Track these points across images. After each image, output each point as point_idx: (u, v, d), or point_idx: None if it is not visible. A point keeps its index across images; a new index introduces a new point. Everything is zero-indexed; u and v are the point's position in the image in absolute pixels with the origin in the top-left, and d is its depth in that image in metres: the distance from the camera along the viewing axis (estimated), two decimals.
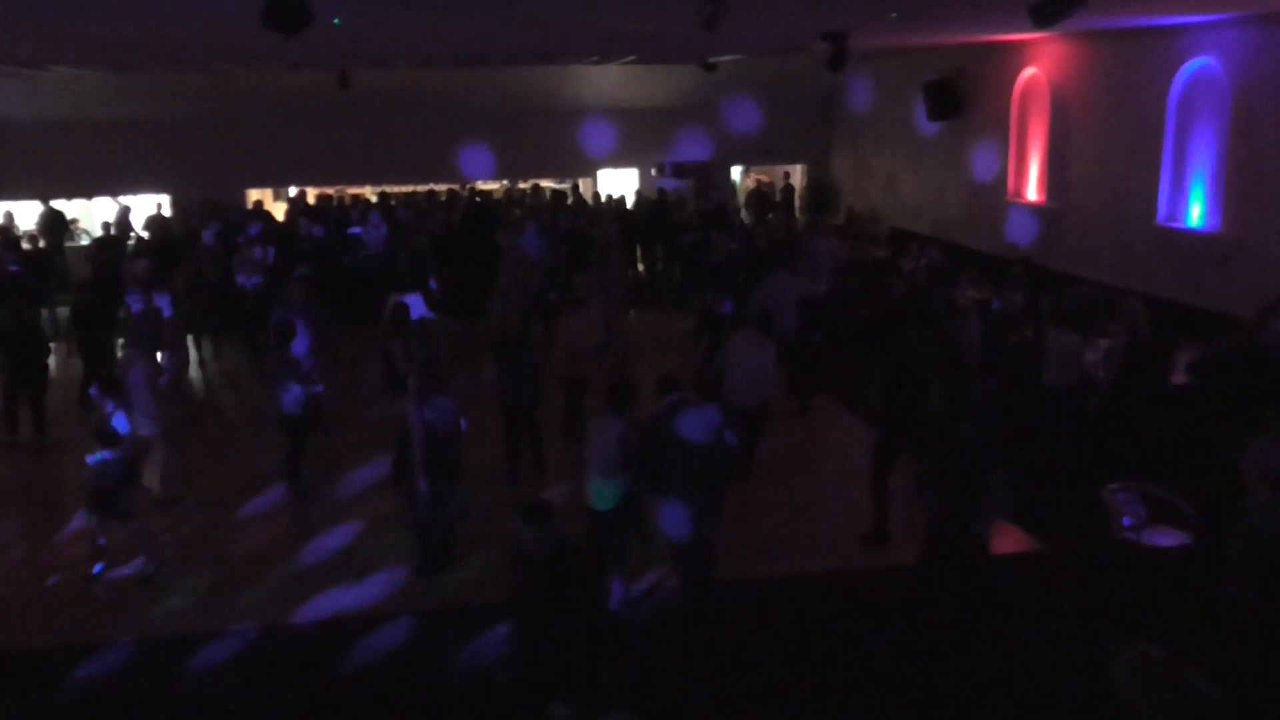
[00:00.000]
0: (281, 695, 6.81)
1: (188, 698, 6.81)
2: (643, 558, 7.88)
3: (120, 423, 8.35)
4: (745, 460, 10.08)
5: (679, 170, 22.28)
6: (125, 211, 20.11)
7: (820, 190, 22.93)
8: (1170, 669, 4.42)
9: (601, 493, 7.35)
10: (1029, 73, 15.72)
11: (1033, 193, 15.92)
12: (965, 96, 17.34)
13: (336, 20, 9.57)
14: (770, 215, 20.45)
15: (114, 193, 20.74)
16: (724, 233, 15.72)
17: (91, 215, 21.00)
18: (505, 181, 22.99)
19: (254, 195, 21.02)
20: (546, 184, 22.36)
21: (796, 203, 22.86)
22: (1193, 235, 12.52)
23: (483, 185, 22.68)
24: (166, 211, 20.18)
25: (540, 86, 21.09)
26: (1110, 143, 13.99)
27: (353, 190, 21.72)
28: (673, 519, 7.19)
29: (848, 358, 13.53)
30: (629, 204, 20.96)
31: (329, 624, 7.68)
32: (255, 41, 10.27)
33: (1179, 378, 10.04)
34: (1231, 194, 11.94)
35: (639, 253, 19.86)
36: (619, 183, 23.07)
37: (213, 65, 16.46)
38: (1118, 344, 9.88)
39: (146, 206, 20.18)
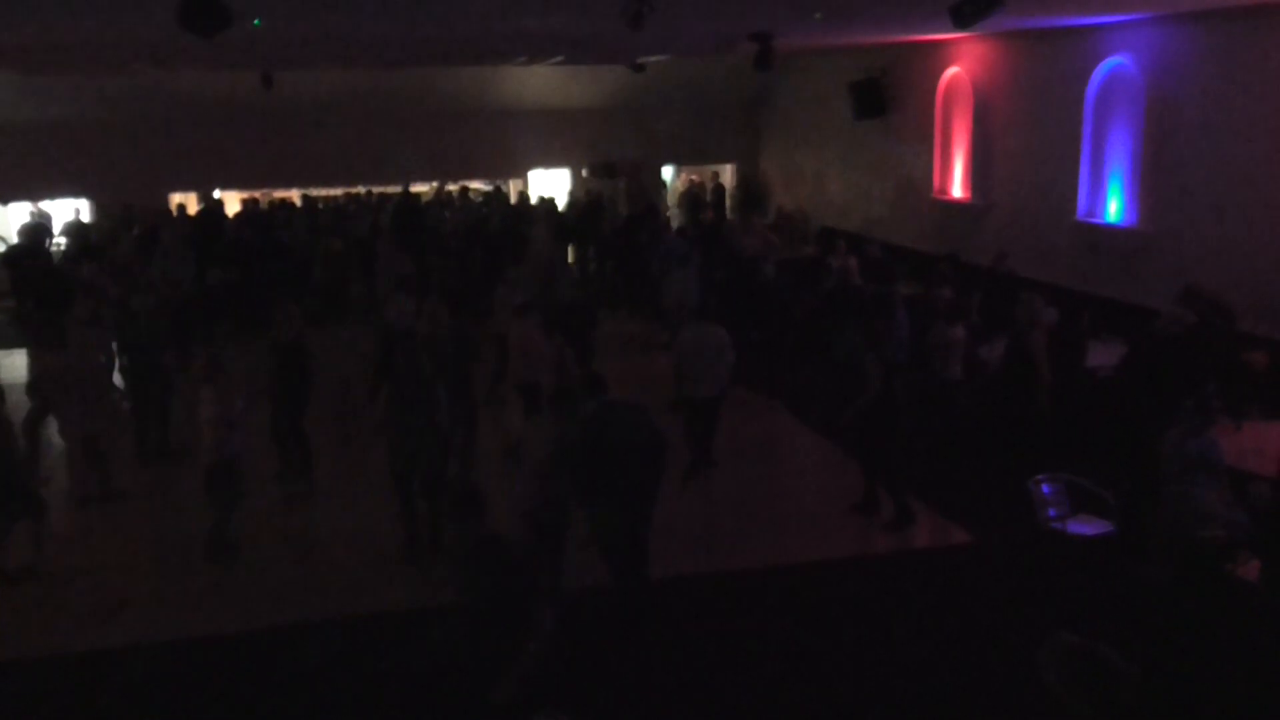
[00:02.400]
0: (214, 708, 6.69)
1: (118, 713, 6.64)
2: (581, 561, 7.85)
3: None
4: (706, 452, 10.30)
5: (610, 170, 22.28)
6: (42, 218, 19.60)
7: (750, 189, 23.10)
8: (1087, 652, 4.55)
9: (534, 496, 7.30)
10: (952, 72, 15.98)
11: (958, 190, 16.19)
12: (890, 96, 17.58)
13: (257, 21, 9.42)
14: (702, 215, 20.59)
15: (31, 198, 20.18)
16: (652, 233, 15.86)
17: (8, 222, 20.43)
18: (434, 183, 22.82)
19: (177, 199, 20.61)
20: (475, 186, 22.24)
21: (728, 202, 23.00)
22: (1111, 230, 12.83)
23: (414, 188, 22.48)
24: (85, 217, 19.71)
25: (469, 87, 20.94)
26: (1031, 140, 14.28)
27: (279, 194, 21.39)
28: (605, 521, 7.17)
29: (780, 353, 13.62)
30: (560, 205, 20.92)
31: (260, 634, 7.55)
32: (172, 42, 10.06)
33: (1101, 369, 10.30)
34: (1146, 189, 12.25)
35: (570, 253, 19.81)
36: (550, 183, 23.00)
37: (130, 66, 16.07)
38: (1030, 339, 10.08)
39: (65, 212, 19.69)
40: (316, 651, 7.23)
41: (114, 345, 11.01)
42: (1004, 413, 10.35)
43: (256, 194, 21.04)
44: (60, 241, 18.42)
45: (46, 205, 20.28)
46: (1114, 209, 12.84)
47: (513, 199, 21.69)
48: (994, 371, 10.64)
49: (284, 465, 10.00)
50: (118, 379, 11.19)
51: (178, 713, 6.66)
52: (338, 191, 22.04)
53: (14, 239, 17.97)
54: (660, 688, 6.75)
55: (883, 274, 13.56)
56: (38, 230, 17.93)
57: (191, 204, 20.87)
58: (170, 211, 19.37)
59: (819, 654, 7.08)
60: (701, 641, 7.29)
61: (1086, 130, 13.08)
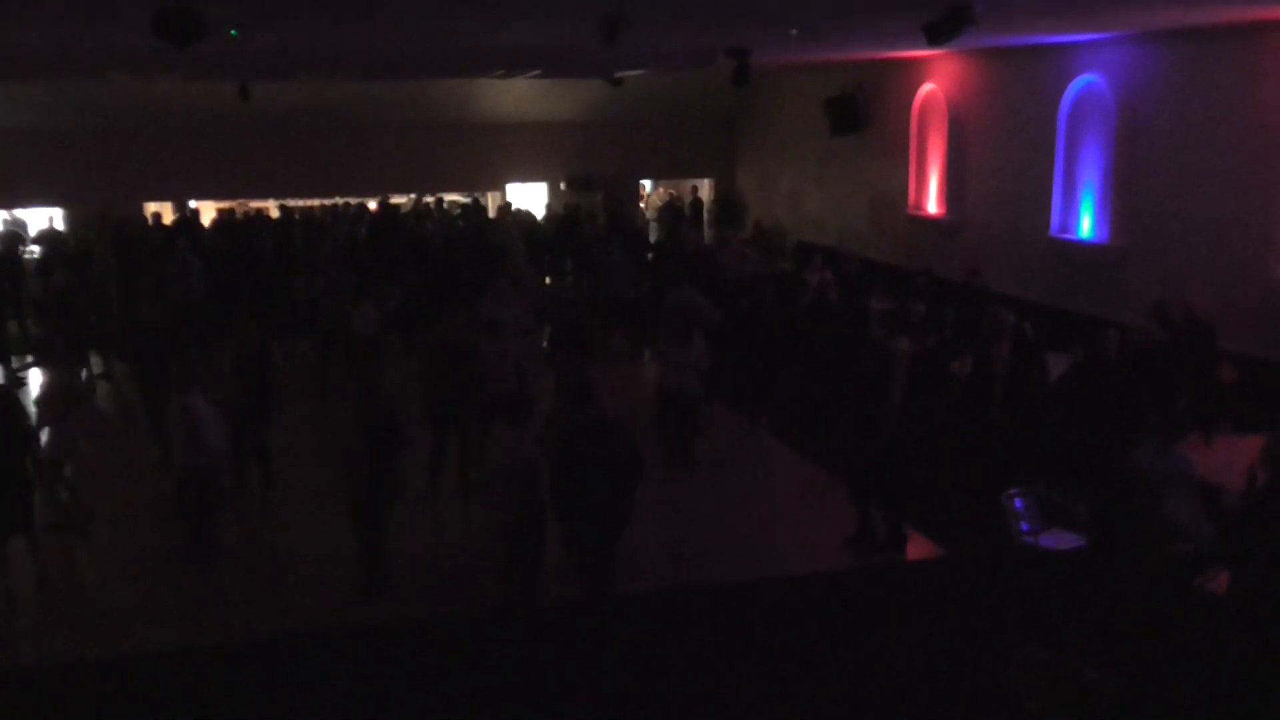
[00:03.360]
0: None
1: None
2: (551, 571, 7.83)
3: None
4: (687, 452, 10.69)
5: (587, 183, 22.31)
6: (16, 225, 19.43)
7: (728, 204, 23.18)
8: (1057, 665, 4.59)
9: (511, 507, 7.29)
10: (927, 89, 16.11)
11: (933, 206, 16.31)
12: (866, 112, 17.70)
13: (234, 31, 9.40)
14: (683, 234, 20.62)
15: (4, 206, 20.02)
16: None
17: None
18: (412, 195, 22.77)
19: (152, 208, 20.47)
20: (451, 198, 22.23)
21: (705, 216, 23.07)
22: (1083, 245, 12.95)
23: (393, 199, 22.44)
24: (60, 225, 19.55)
25: (447, 100, 20.93)
26: (1005, 157, 14.41)
27: (255, 204, 21.29)
28: (579, 534, 7.17)
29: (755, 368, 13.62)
30: (538, 218, 20.93)
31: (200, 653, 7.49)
32: (148, 51, 10.03)
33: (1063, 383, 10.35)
34: (1118, 206, 12.38)
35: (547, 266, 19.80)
36: (527, 196, 23.01)
37: (106, 74, 15.98)
38: (994, 352, 10.14)
39: (39, 220, 19.53)
40: (291, 667, 7.19)
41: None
42: (968, 426, 10.42)
43: (232, 204, 20.93)
44: (34, 249, 18.26)
45: (20, 213, 20.09)
46: (1086, 225, 12.96)
47: (491, 212, 21.70)
48: (961, 385, 10.71)
49: (241, 479, 10.00)
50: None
51: None
52: (314, 202, 21.96)
53: None
54: (633, 701, 6.73)
55: (858, 290, 13.62)
56: (11, 239, 17.79)
57: (167, 213, 20.74)
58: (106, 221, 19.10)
59: (791, 668, 7.08)
60: (673, 657, 7.28)
61: (1059, 147, 13.21)
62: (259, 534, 9.53)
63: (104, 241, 17.40)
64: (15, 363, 15.28)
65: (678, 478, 10.56)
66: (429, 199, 22.02)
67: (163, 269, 15.15)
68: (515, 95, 21.46)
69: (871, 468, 8.71)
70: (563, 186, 22.78)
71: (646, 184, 24.72)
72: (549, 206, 22.03)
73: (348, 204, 21.39)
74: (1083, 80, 12.78)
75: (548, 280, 19.43)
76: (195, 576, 8.50)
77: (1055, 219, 13.38)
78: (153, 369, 10.76)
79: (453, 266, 15.66)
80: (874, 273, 15.61)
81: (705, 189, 23.90)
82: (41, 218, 19.61)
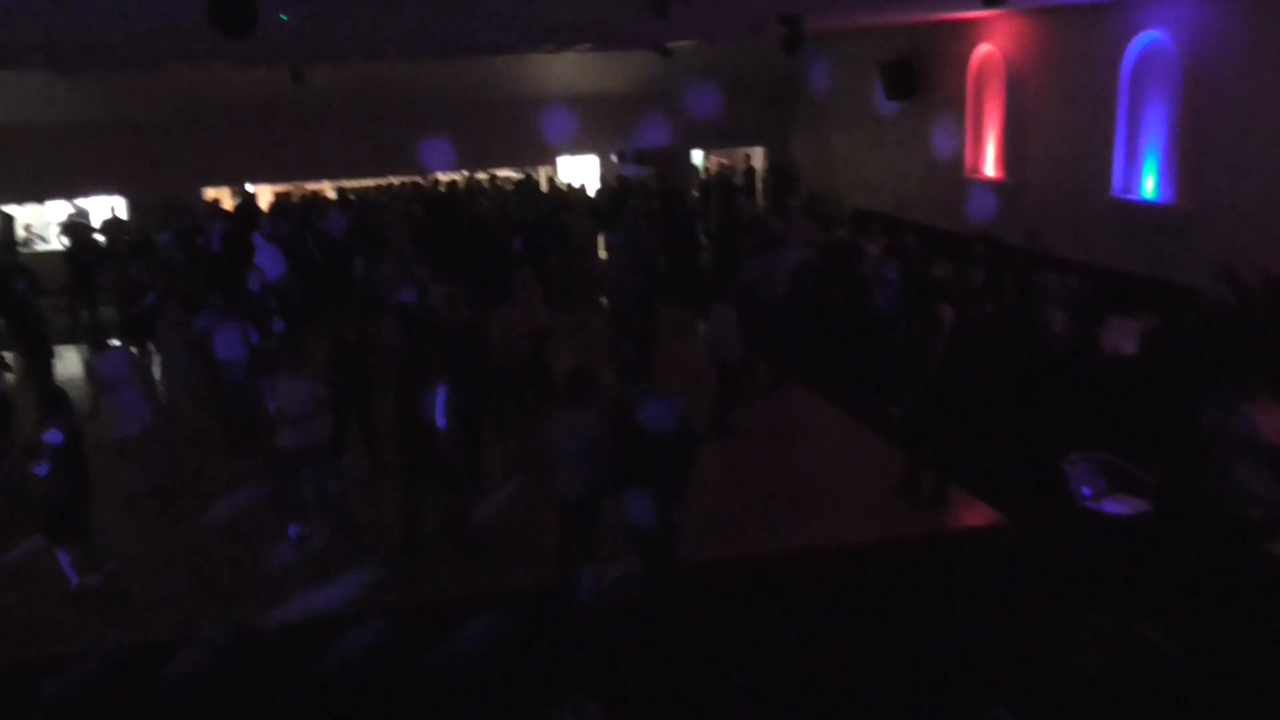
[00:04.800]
0: (255, 701, 6.79)
1: (159, 709, 6.76)
2: (612, 546, 7.89)
3: (52, 436, 8.00)
4: (722, 421, 10.95)
5: (640, 157, 22.23)
6: (81, 215, 19.86)
7: (782, 172, 22.97)
8: (1128, 635, 4.54)
9: (572, 484, 7.35)
10: (984, 50, 15.80)
11: (990, 169, 16.03)
12: (922, 76, 17.41)
13: (284, 15, 9.46)
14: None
15: (67, 196, 20.46)
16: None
17: (45, 220, 20.75)
18: (465, 172, 22.88)
19: (210, 194, 20.81)
20: (504, 173, 22.29)
21: (758, 185, 22.90)
22: (1146, 207, 12.66)
23: (443, 176, 22.58)
24: (123, 214, 19.95)
25: (497, 76, 20.97)
26: (1064, 117, 14.10)
27: (311, 187, 21.54)
28: (639, 508, 7.21)
29: (812, 339, 13.58)
30: (591, 192, 20.93)
31: (301, 626, 7.66)
32: (201, 40, 10.15)
33: (1128, 347, 10.17)
34: (1183, 166, 12.07)
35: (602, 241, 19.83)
36: (580, 170, 23.01)
37: (161, 64, 16.24)
38: (1044, 317, 10.02)
39: (101, 209, 19.94)
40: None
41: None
42: (1023, 391, 10.30)
43: (289, 187, 21.19)
44: (100, 239, 18.65)
45: (82, 203, 20.53)
46: (1150, 185, 12.67)
47: (543, 186, 21.74)
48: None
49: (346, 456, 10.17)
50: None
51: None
52: (369, 183, 22.15)
53: (52, 235, 18.26)
54: (687, 674, 6.77)
55: (915, 259, 13.45)
56: (78, 229, 18.19)
57: (226, 199, 21.08)
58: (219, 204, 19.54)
59: (849, 639, 7.08)
60: (730, 628, 7.31)
61: (1121, 106, 12.89)
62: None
63: (166, 230, 17.62)
64: (84, 350, 15.64)
65: (736, 448, 10.57)
66: (481, 175, 22.11)
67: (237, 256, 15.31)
68: (564, 69, 21.44)
69: (913, 421, 9.13)
70: (615, 159, 22.72)
71: (698, 155, 24.56)
72: (602, 180, 22.02)
73: (402, 184, 21.54)
74: (1145, 37, 12.44)
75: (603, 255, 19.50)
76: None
77: (1117, 180, 13.08)
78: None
79: (499, 243, 15.73)
80: (932, 240, 15.40)
81: (758, 157, 23.71)
82: (103, 207, 19.99)
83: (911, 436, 9.33)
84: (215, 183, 21.38)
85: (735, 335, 10.96)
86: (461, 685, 6.71)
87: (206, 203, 20.00)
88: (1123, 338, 10.42)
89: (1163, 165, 12.44)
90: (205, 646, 7.36)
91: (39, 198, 20.62)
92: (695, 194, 22.04)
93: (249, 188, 21.16)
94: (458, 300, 11.14)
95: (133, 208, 20.29)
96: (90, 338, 15.66)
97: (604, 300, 14.53)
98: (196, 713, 6.70)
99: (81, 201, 20.49)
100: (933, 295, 10.47)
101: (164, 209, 19.05)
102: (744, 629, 7.29)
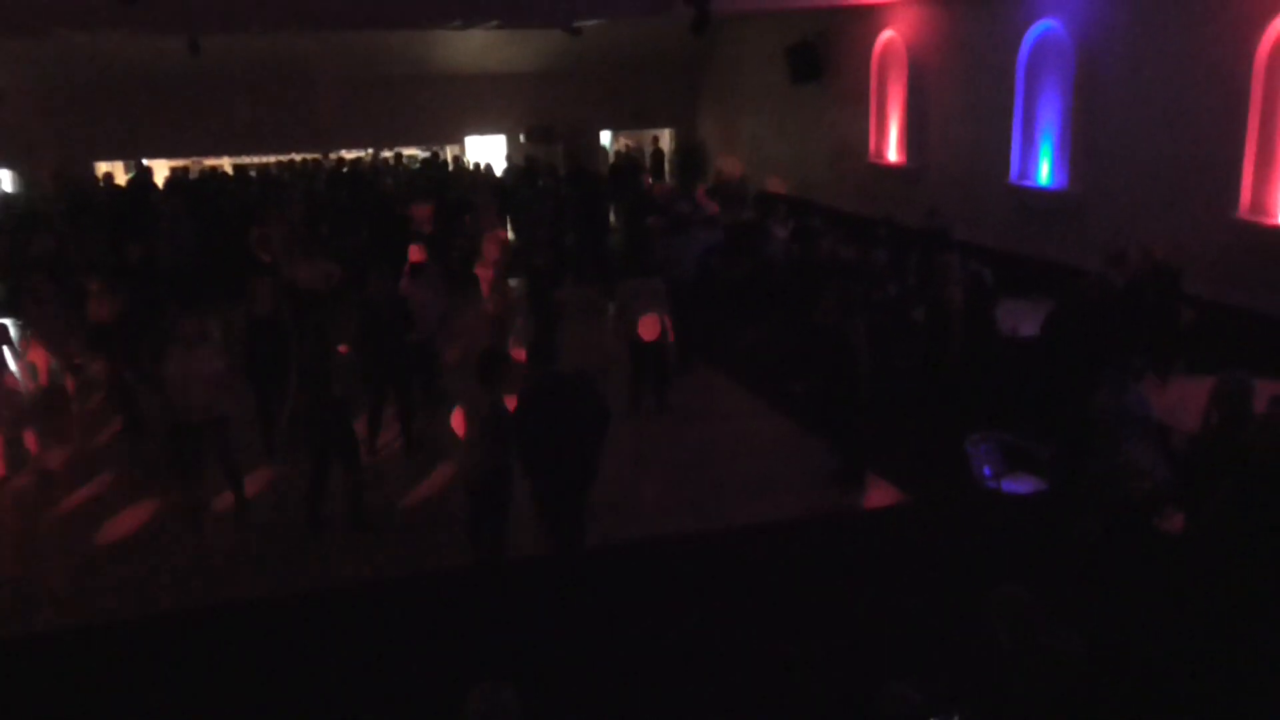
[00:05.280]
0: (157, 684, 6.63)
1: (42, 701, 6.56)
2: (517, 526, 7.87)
3: None
4: (661, 399, 11.00)
5: (548, 136, 22.11)
6: None
7: (690, 154, 23.08)
8: (1033, 610, 4.72)
9: (479, 465, 7.29)
10: (886, 35, 16.06)
11: (893, 153, 16.33)
12: (827, 59, 17.63)
13: None
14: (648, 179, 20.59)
15: None
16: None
17: None
18: (370, 150, 22.50)
19: (103, 168, 20.10)
20: (410, 151, 21.97)
21: (666, 167, 22.97)
22: (1042, 192, 13.04)
23: (346, 154, 22.17)
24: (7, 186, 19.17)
25: (404, 52, 20.60)
26: (965, 104, 14.43)
27: (209, 161, 20.95)
28: (546, 489, 7.20)
29: (718, 317, 13.69)
30: (499, 171, 20.77)
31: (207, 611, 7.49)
32: (94, 6, 9.77)
33: (1028, 329, 10.47)
34: (1076, 151, 12.46)
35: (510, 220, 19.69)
36: (487, 149, 22.80)
37: (51, 32, 15.55)
38: (946, 298, 10.29)
39: None
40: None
41: None
42: (927, 373, 10.57)
43: (186, 163, 20.57)
44: None
45: None
46: (1045, 171, 13.04)
47: (449, 165, 21.49)
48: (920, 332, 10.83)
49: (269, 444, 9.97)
50: None
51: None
52: (270, 159, 21.63)
53: None
54: (601, 656, 6.79)
55: (813, 244, 13.63)
56: None
57: (118, 173, 20.38)
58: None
59: (761, 617, 7.17)
60: (642, 607, 7.35)
61: (1019, 93, 13.24)
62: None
63: (59, 203, 17.01)
64: None
65: (648, 428, 10.62)
66: (386, 153, 21.77)
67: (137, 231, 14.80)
68: (473, 46, 21.15)
69: (837, 409, 9.13)
70: (522, 139, 22.57)
71: (606, 136, 24.52)
72: (508, 159, 21.87)
73: (304, 160, 21.10)
74: (1041, 25, 12.79)
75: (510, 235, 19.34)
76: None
77: (1015, 165, 13.45)
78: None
79: (405, 221, 15.49)
80: (837, 222, 15.62)
81: (666, 139, 23.77)
82: None
83: (832, 421, 9.37)
84: (109, 156, 20.65)
85: (665, 305, 10.62)
86: (373, 670, 6.64)
87: (98, 176, 19.31)
88: (1020, 319, 10.72)
89: (1056, 151, 12.82)
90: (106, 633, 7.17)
91: None
92: (604, 174, 22.02)
93: (144, 162, 20.45)
94: (329, 273, 11.53)
95: (22, 181, 19.48)
96: None
97: (511, 281, 14.42)
98: (86, 702, 6.51)
99: None
100: (841, 277, 10.63)
101: (56, 182, 18.31)
102: (656, 608, 7.33)
